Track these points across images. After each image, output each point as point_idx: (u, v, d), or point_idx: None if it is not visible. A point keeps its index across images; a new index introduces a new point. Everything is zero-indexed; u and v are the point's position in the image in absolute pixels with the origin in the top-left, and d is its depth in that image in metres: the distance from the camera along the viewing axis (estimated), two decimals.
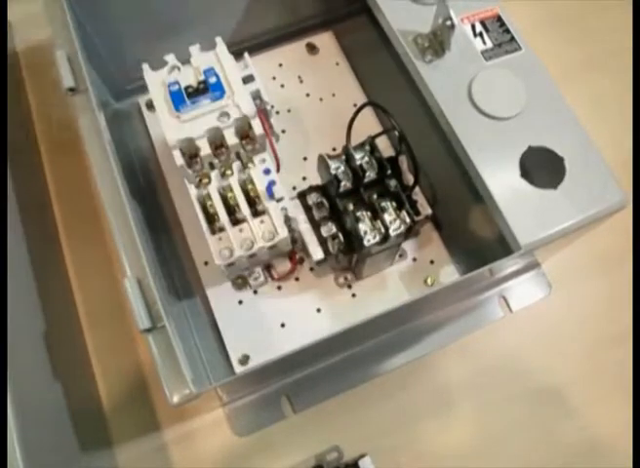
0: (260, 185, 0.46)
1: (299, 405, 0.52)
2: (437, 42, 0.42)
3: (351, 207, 0.46)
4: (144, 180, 0.57)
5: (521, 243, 0.38)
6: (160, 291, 0.43)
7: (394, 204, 0.45)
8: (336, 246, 0.46)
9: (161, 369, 0.37)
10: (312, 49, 0.60)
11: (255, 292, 0.53)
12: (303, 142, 0.57)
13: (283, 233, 0.45)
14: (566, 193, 0.41)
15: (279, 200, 0.46)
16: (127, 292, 0.37)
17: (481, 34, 0.44)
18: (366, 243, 0.44)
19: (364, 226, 0.45)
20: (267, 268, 0.53)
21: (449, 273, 0.54)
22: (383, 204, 0.45)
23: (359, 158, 0.46)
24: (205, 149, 0.45)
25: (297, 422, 0.52)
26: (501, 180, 0.41)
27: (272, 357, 0.50)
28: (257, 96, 0.47)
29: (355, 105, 0.59)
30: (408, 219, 0.44)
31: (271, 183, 0.46)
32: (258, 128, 0.45)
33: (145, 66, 0.47)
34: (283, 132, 0.58)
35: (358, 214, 0.45)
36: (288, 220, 0.46)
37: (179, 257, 0.55)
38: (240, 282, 0.52)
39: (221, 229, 0.46)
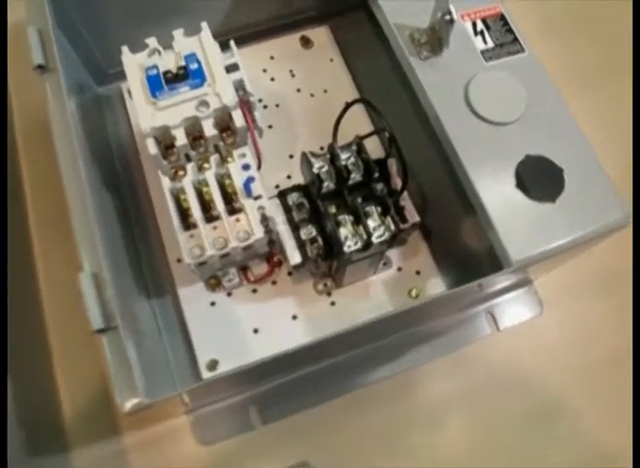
0: (238, 181, 0.43)
1: (268, 415, 0.49)
2: (435, 38, 0.39)
3: (333, 210, 0.43)
4: (122, 169, 0.54)
5: (512, 259, 0.36)
6: (119, 288, 0.40)
7: (379, 209, 0.42)
8: (314, 250, 0.43)
9: (113, 374, 0.34)
10: (306, 43, 0.58)
11: (229, 294, 0.50)
12: (290, 139, 0.54)
13: (258, 234, 0.42)
14: (564, 207, 0.38)
15: (257, 198, 0.43)
16: (81, 287, 0.34)
17: (482, 33, 0.41)
18: (346, 249, 0.41)
19: (345, 231, 0.42)
20: (243, 269, 0.50)
21: (435, 286, 0.51)
22: (368, 208, 0.42)
23: (345, 158, 0.43)
24: (181, 139, 0.42)
25: (265, 434, 0.49)
26: (495, 190, 0.38)
27: (242, 364, 0.48)
28: (240, 86, 0.44)
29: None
30: (393, 226, 0.42)
31: (250, 180, 0.43)
32: (238, 120, 0.42)
33: (125, 49, 0.44)
34: (270, 127, 0.55)
35: (340, 217, 0.42)
36: (265, 220, 0.43)
37: (152, 252, 0.52)
38: (213, 282, 0.49)
39: (195, 226, 0.43)
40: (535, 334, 0.53)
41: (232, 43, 0.44)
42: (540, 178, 0.38)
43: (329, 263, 0.46)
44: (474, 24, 0.41)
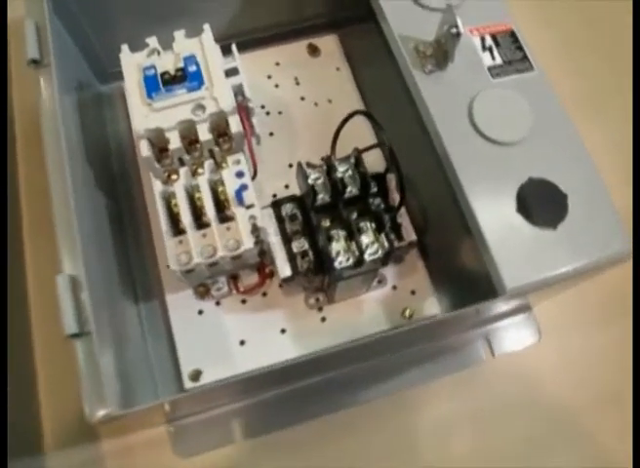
0: (230, 189, 0.42)
1: (251, 430, 0.48)
2: (440, 52, 0.38)
3: (327, 223, 0.42)
4: (118, 169, 0.53)
5: (507, 286, 0.34)
6: (103, 291, 0.39)
7: (375, 225, 0.41)
8: (305, 264, 0.42)
9: (83, 381, 0.32)
10: (314, 51, 0.56)
11: (217, 302, 0.49)
12: (291, 148, 0.53)
13: (248, 244, 0.41)
14: (565, 235, 0.36)
15: (249, 207, 0.42)
16: (57, 290, 0.33)
17: (490, 49, 0.40)
18: (337, 265, 0.40)
19: (337, 246, 0.40)
20: (233, 278, 0.48)
21: (430, 307, 0.49)
22: (362, 224, 0.41)
23: (342, 171, 0.42)
24: (175, 143, 0.41)
25: (246, 449, 0.48)
26: (494, 213, 0.36)
27: (226, 376, 0.47)
28: (239, 91, 0.43)
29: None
30: (387, 244, 0.40)
31: (242, 188, 0.42)
32: (234, 125, 0.41)
33: (125, 47, 0.43)
34: (271, 134, 0.54)
35: (332, 232, 0.40)
36: (256, 230, 0.42)
37: (142, 256, 0.51)
38: (202, 290, 0.48)
39: (184, 232, 0.42)
40: (531, 363, 0.51)
41: (234, 46, 0.43)
42: (542, 203, 0.37)
43: (321, 278, 0.45)
44: (483, 40, 0.40)
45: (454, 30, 0.35)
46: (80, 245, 0.33)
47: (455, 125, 0.37)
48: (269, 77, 0.56)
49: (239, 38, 0.54)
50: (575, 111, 0.40)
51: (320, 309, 0.49)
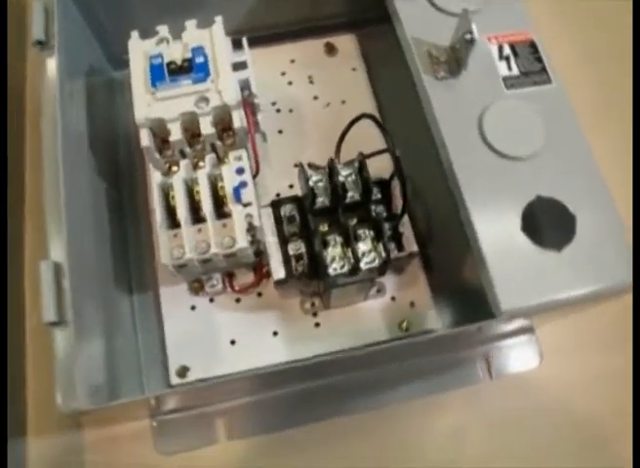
0: (229, 185, 0.41)
1: (235, 431, 0.47)
2: (454, 58, 0.37)
3: (325, 228, 0.41)
4: (124, 158, 0.53)
5: (502, 307, 0.32)
6: (87, 281, 0.38)
7: (373, 233, 0.39)
8: (300, 268, 0.41)
9: (57, 371, 0.32)
10: (331, 50, 0.55)
11: (211, 299, 0.48)
12: (299, 147, 0.52)
13: (242, 243, 0.40)
14: (570, 259, 0.34)
15: (246, 205, 0.41)
16: (40, 276, 0.32)
17: (508, 58, 0.38)
18: (331, 272, 0.39)
19: (333, 252, 0.39)
20: (229, 276, 0.47)
21: (428, 321, 0.48)
22: (361, 231, 0.40)
23: (345, 175, 0.41)
24: (176, 134, 0.40)
25: (228, 450, 0.47)
26: (496, 230, 0.35)
27: (213, 375, 0.46)
28: (246, 86, 0.42)
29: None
30: (384, 253, 0.39)
31: (241, 185, 0.41)
32: (237, 120, 0.40)
33: (134, 34, 0.42)
34: (280, 132, 0.53)
35: (329, 237, 0.39)
36: (253, 229, 0.41)
37: (141, 247, 0.50)
38: (197, 286, 0.47)
39: (180, 225, 0.41)
40: (529, 387, 0.49)
41: (244, 40, 0.42)
42: (548, 223, 0.35)
43: (317, 283, 0.43)
44: (500, 48, 0.38)
45: (468, 36, 0.33)
46: (66, 232, 0.33)
47: (462, 135, 0.36)
48: (283, 74, 0.54)
49: (255, 32, 0.53)
50: (592, 124, 0.38)
51: (315, 314, 0.48)
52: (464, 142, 0.36)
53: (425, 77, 0.37)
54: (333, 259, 0.39)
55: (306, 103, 0.54)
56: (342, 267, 0.39)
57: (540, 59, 0.38)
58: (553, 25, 0.55)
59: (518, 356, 0.50)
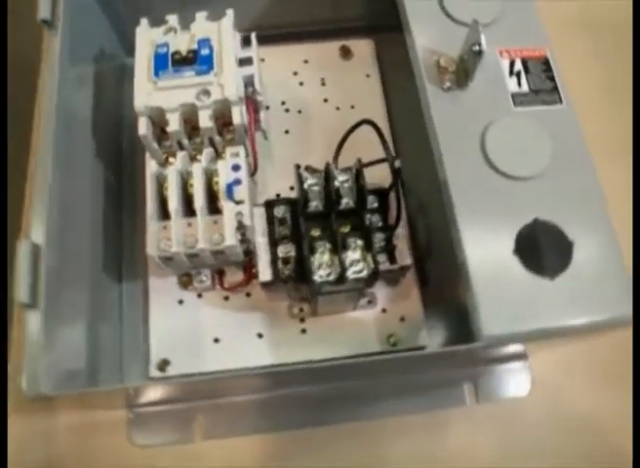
0: (223, 181, 0.40)
1: (211, 431, 0.46)
2: (462, 69, 0.35)
3: (317, 233, 0.40)
4: (128, 145, 0.52)
5: (484, 332, 0.31)
6: (71, 265, 0.38)
7: (364, 243, 0.38)
8: (287, 271, 0.40)
9: (25, 354, 0.31)
10: (346, 53, 0.54)
11: (199, 295, 0.47)
12: (304, 149, 0.51)
13: (230, 241, 0.39)
14: (563, 288, 0.33)
15: (239, 202, 0.40)
16: (18, 255, 0.32)
17: (518, 74, 0.37)
18: (317, 278, 0.38)
19: (320, 259, 0.38)
20: (219, 273, 0.47)
21: (417, 337, 0.46)
22: (352, 239, 0.39)
23: (341, 181, 0.40)
24: (174, 125, 0.39)
25: (201, 450, 0.46)
26: (487, 251, 0.33)
27: (192, 372, 0.45)
28: (250, 82, 0.41)
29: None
30: (373, 264, 0.38)
31: (236, 182, 0.40)
32: (237, 116, 0.39)
33: (144, 21, 0.42)
34: (286, 132, 0.52)
35: (318, 242, 0.38)
36: (243, 228, 0.40)
37: (135, 236, 0.50)
38: (185, 280, 0.47)
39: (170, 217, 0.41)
40: (516, 414, 0.47)
41: (253, 36, 0.42)
42: (543, 248, 0.33)
43: (303, 289, 0.42)
44: (512, 63, 0.37)
45: (476, 48, 0.32)
46: (46, 213, 0.32)
47: (462, 149, 0.35)
48: (295, 73, 0.54)
49: (271, 30, 0.53)
50: (600, 154, 0.36)
51: (302, 320, 0.47)
52: (463, 157, 0.34)
53: (430, 86, 0.36)
54: (320, 266, 0.38)
55: (316, 105, 0.53)
56: (329, 275, 0.38)
57: (552, 78, 0.37)
58: (576, 48, 0.54)
59: (508, 382, 0.48)
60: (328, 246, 0.38)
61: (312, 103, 0.53)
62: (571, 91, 0.37)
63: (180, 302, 0.47)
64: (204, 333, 0.46)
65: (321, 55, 0.54)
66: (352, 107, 0.53)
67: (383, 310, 0.47)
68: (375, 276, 0.38)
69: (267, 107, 0.52)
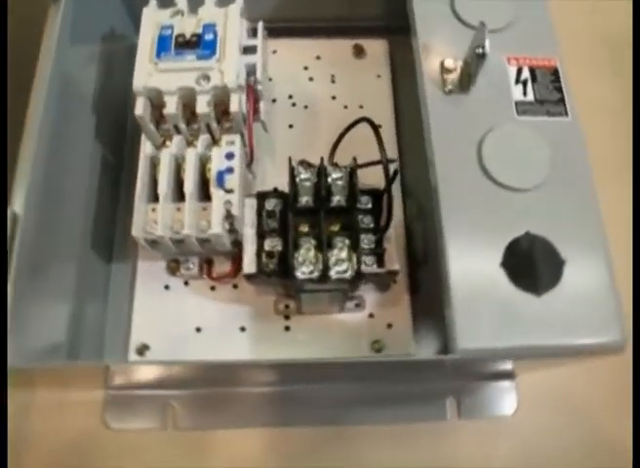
0: (216, 168, 0.39)
1: (183, 421, 0.46)
2: (466, 73, 0.34)
3: (305, 229, 0.39)
4: (132, 126, 0.52)
5: (459, 345, 0.30)
6: (57, 239, 0.38)
7: (350, 242, 0.37)
8: (271, 265, 0.39)
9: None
10: (359, 52, 0.54)
11: (186, 282, 0.47)
12: (306, 145, 0.50)
13: (216, 229, 0.38)
14: (550, 306, 0.32)
15: (229, 191, 0.39)
16: None
17: (525, 83, 0.35)
18: (299, 275, 0.37)
19: (305, 255, 0.37)
20: (208, 263, 0.46)
21: (403, 345, 0.45)
22: (339, 238, 0.38)
23: (334, 178, 0.39)
24: (171, 108, 0.39)
25: (171, 438, 0.45)
26: (472, 261, 0.32)
27: (170, 359, 0.45)
28: (252, 71, 0.40)
29: (380, 126, 0.51)
30: (356, 265, 0.37)
31: (228, 170, 0.39)
32: (235, 104, 0.39)
33: (153, 2, 0.42)
34: (290, 126, 0.51)
35: (304, 238, 0.37)
36: (231, 217, 0.39)
37: (130, 217, 0.49)
38: (174, 266, 0.46)
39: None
40: (497, 434, 0.46)
41: (260, 24, 0.41)
42: (533, 264, 0.32)
43: (287, 285, 0.42)
44: (519, 71, 0.36)
45: (479, 50, 0.31)
46: (27, 183, 0.32)
47: (457, 154, 0.33)
48: (306, 68, 0.53)
49: (285, 23, 0.53)
50: (606, 174, 0.35)
51: (287, 317, 0.46)
52: (457, 162, 0.33)
53: (431, 88, 0.35)
54: (303, 262, 0.37)
55: (323, 102, 0.52)
56: (312, 272, 0.37)
57: (559, 89, 0.35)
58: (591, 62, 0.52)
59: (493, 400, 0.47)
60: (314, 243, 0.37)
61: (320, 100, 0.52)
62: (579, 104, 0.36)
63: (167, 288, 0.47)
64: (187, 322, 0.46)
65: (334, 51, 0.53)
66: (360, 107, 0.52)
67: (371, 315, 0.46)
68: (358, 277, 0.37)
69: (274, 100, 0.52)
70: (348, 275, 0.37)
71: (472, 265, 0.32)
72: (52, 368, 0.38)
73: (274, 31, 0.52)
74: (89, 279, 0.45)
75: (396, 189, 0.48)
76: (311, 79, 0.53)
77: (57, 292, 0.41)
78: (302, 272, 0.37)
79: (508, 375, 0.46)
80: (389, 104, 0.52)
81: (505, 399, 0.46)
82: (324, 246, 0.36)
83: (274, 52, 0.53)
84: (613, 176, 0.36)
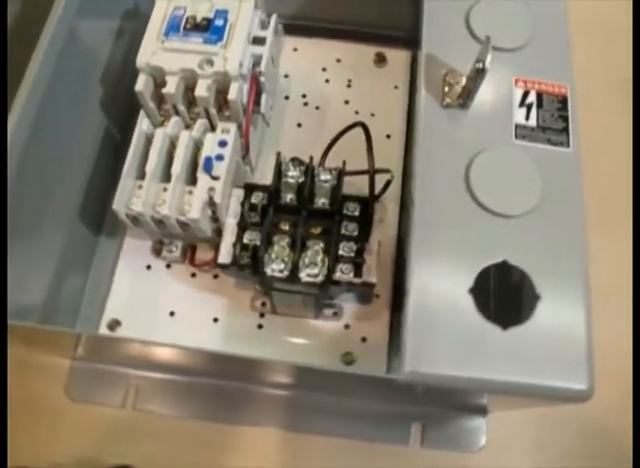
0: (206, 153, 0.39)
1: (141, 402, 0.45)
2: (467, 88, 0.33)
3: (286, 227, 0.38)
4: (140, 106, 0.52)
5: (407, 367, 0.28)
6: (32, 198, 0.38)
7: (325, 247, 0.36)
8: (245, 258, 0.38)
9: None
10: (381, 61, 0.53)
11: (168, 265, 0.47)
12: (310, 145, 0.49)
13: (194, 214, 0.38)
14: (514, 341, 0.30)
15: (215, 178, 0.39)
16: None
17: (529, 107, 0.34)
18: (268, 271, 0.36)
19: (279, 253, 0.36)
20: (192, 249, 0.46)
21: (374, 361, 0.44)
22: (316, 241, 0.37)
23: (321, 180, 0.38)
24: (170, 88, 0.39)
25: (127, 418, 0.45)
26: (438, 282, 0.30)
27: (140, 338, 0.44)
28: (258, 62, 0.40)
29: (388, 136, 0.50)
30: (326, 271, 0.35)
31: (218, 157, 0.39)
32: (234, 92, 0.38)
33: None
34: (299, 125, 0.51)
35: (281, 236, 0.37)
36: (214, 205, 0.39)
37: None
38: (157, 247, 0.46)
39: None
40: None
41: (274, 17, 0.41)
42: (505, 294, 0.30)
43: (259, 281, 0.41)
44: (526, 94, 0.34)
45: (479, 65, 0.30)
46: (10, 141, 0.32)
47: (442, 170, 0.32)
48: (324, 70, 0.52)
49: (310, 22, 0.52)
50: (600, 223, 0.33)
51: (262, 315, 0.45)
52: (441, 177, 0.32)
53: (428, 99, 0.34)
54: (275, 259, 0.36)
55: (336, 105, 0.51)
56: (282, 271, 0.36)
57: (565, 118, 0.34)
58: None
59: (460, 434, 0.45)
60: (287, 241, 0.36)
61: (332, 102, 0.51)
62: (586, 140, 0.34)
63: (149, 268, 0.47)
64: (162, 304, 0.46)
65: (355, 56, 0.53)
66: (372, 115, 0.51)
67: (347, 326, 0.45)
68: (330, 283, 0.36)
69: (287, 97, 0.52)
70: (319, 280, 0.36)
71: (438, 286, 0.30)
72: (23, 327, 0.38)
73: (298, 29, 0.52)
74: (75, 248, 0.46)
75: (394, 201, 0.47)
76: (327, 81, 0.52)
77: (41, 255, 0.41)
78: (272, 269, 0.36)
79: (481, 411, 0.44)
80: (402, 116, 0.51)
81: (473, 435, 0.44)
82: (297, 246, 0.35)
83: (295, 49, 0.53)
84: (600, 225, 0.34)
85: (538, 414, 0.44)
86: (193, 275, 0.46)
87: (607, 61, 0.51)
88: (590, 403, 0.29)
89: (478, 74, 0.30)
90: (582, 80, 0.36)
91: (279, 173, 0.37)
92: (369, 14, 0.51)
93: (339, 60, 0.53)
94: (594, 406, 0.37)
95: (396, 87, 0.52)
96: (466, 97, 0.33)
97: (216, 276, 0.46)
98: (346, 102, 0.51)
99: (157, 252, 0.46)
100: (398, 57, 0.53)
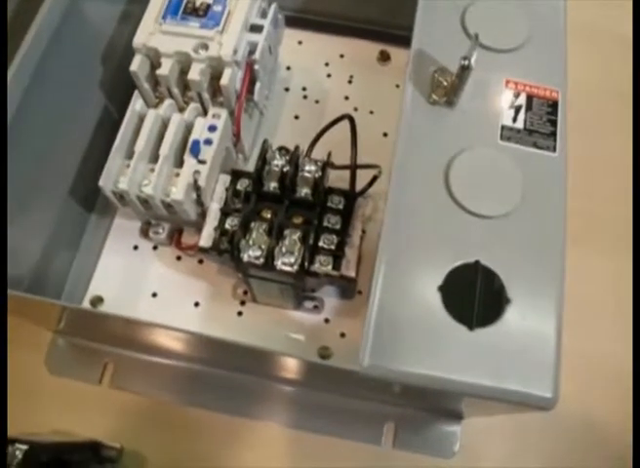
0: (194, 136, 0.39)
1: (118, 380, 0.46)
2: (455, 87, 0.33)
3: (267, 215, 0.38)
4: None
5: (365, 360, 0.28)
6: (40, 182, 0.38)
7: (301, 238, 0.36)
8: (224, 243, 0.39)
9: None
10: (384, 58, 0.52)
11: (155, 247, 0.47)
12: (306, 137, 0.49)
13: (178, 195, 0.38)
14: (480, 343, 0.29)
15: (201, 162, 0.39)
16: None
17: (518, 109, 0.33)
18: (245, 257, 0.36)
19: (257, 239, 0.36)
20: (179, 232, 0.46)
21: (351, 358, 0.43)
22: (295, 231, 0.37)
23: (306, 170, 0.38)
24: (164, 70, 0.39)
25: (102, 395, 0.45)
26: (407, 277, 0.30)
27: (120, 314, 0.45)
28: (254, 50, 0.40)
29: (385, 135, 0.50)
30: (302, 263, 0.35)
31: (206, 141, 0.39)
32: (226, 78, 0.39)
33: None
34: (296, 117, 0.51)
35: (261, 223, 0.37)
36: (198, 189, 0.39)
37: None
38: (145, 228, 0.47)
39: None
40: None
41: (273, 6, 0.41)
42: (473, 295, 0.30)
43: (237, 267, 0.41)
44: (516, 96, 0.34)
45: (464, 62, 0.29)
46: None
47: (421, 166, 0.32)
48: (327, 64, 0.52)
49: (318, 16, 0.52)
50: (580, 226, 0.32)
51: (243, 303, 0.45)
52: (419, 173, 0.31)
53: (414, 94, 0.33)
54: (252, 245, 0.36)
55: (335, 100, 0.51)
56: (258, 258, 0.36)
57: (553, 123, 0.33)
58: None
59: (433, 438, 0.44)
60: (265, 228, 0.37)
61: (332, 97, 0.51)
62: (577, 147, 0.34)
63: (136, 248, 0.47)
64: (145, 284, 0.46)
65: (358, 53, 0.53)
66: (371, 112, 0.51)
67: (327, 320, 0.45)
68: (304, 274, 0.36)
69: (287, 89, 0.52)
70: (294, 269, 0.36)
71: (406, 280, 0.30)
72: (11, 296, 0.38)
73: (303, 22, 0.53)
74: (66, 224, 0.46)
75: (384, 198, 0.46)
76: (329, 75, 0.52)
77: (32, 227, 0.42)
78: (249, 255, 0.36)
79: (456, 416, 0.44)
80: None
81: (447, 440, 0.44)
82: (274, 233, 0.35)
83: (300, 42, 0.53)
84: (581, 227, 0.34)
85: (515, 423, 0.43)
86: (179, 258, 0.47)
87: (605, 70, 0.50)
88: (566, 412, 0.29)
89: (463, 71, 0.30)
90: (580, 88, 0.36)
91: (264, 160, 0.37)
92: (375, 11, 0.51)
93: (342, 56, 0.53)
94: (570, 414, 0.37)
95: (397, 85, 0.52)
96: (452, 94, 0.32)
97: (200, 261, 0.47)
98: (346, 98, 0.51)
99: (145, 233, 0.47)
100: (402, 55, 0.52)
